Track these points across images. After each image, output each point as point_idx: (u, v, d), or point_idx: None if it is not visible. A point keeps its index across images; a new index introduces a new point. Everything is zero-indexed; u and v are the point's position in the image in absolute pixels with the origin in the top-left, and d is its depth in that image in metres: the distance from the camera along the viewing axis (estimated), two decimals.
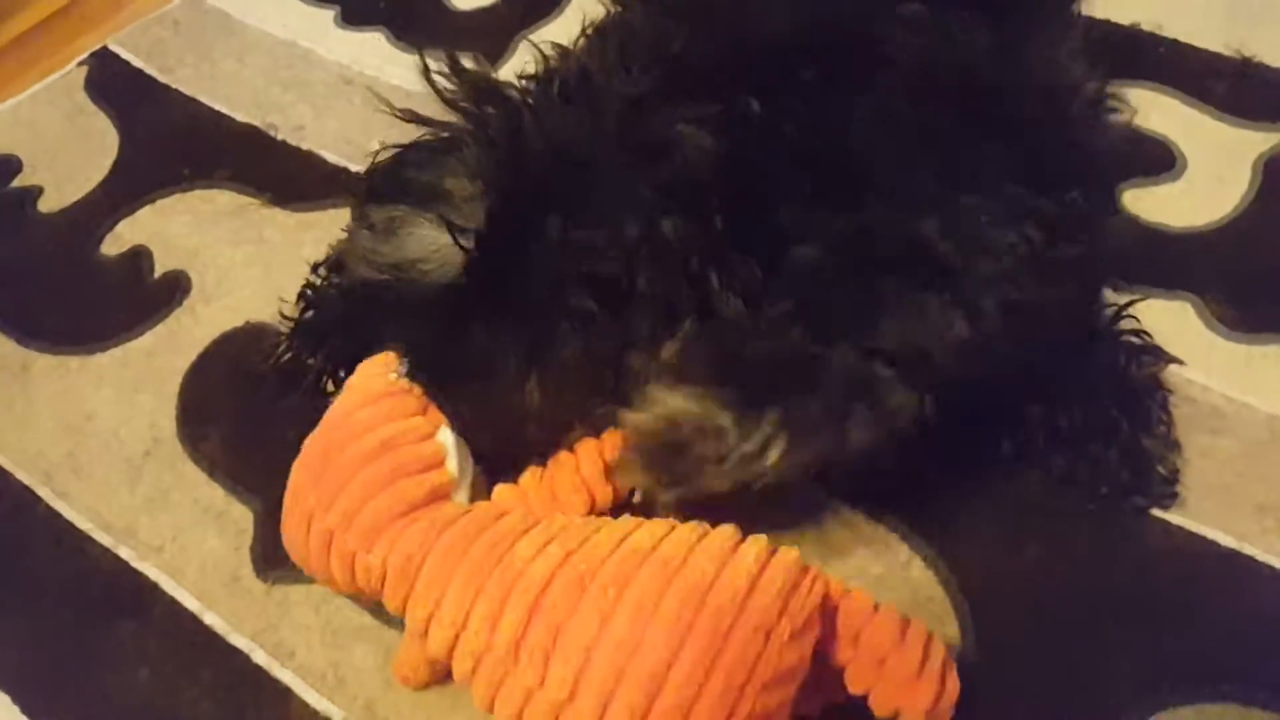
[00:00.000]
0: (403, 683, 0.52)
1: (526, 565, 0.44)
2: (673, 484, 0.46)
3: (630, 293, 0.48)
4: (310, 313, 0.63)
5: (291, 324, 0.64)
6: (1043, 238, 0.46)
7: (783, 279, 0.44)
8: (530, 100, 0.54)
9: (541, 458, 0.54)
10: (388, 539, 0.47)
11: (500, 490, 0.52)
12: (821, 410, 0.43)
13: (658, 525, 0.46)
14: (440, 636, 0.45)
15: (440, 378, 0.52)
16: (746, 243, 0.47)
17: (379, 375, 0.52)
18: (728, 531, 0.45)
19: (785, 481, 0.45)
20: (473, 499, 0.51)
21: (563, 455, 0.53)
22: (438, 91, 0.55)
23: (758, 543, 0.44)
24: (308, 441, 0.52)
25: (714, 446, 0.44)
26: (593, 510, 0.51)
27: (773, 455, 0.44)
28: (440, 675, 0.51)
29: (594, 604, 0.42)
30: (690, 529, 0.45)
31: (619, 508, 0.52)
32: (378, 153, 0.59)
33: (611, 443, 0.52)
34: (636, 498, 0.51)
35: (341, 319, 0.60)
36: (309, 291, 0.64)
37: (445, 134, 0.56)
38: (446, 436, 0.50)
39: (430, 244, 0.53)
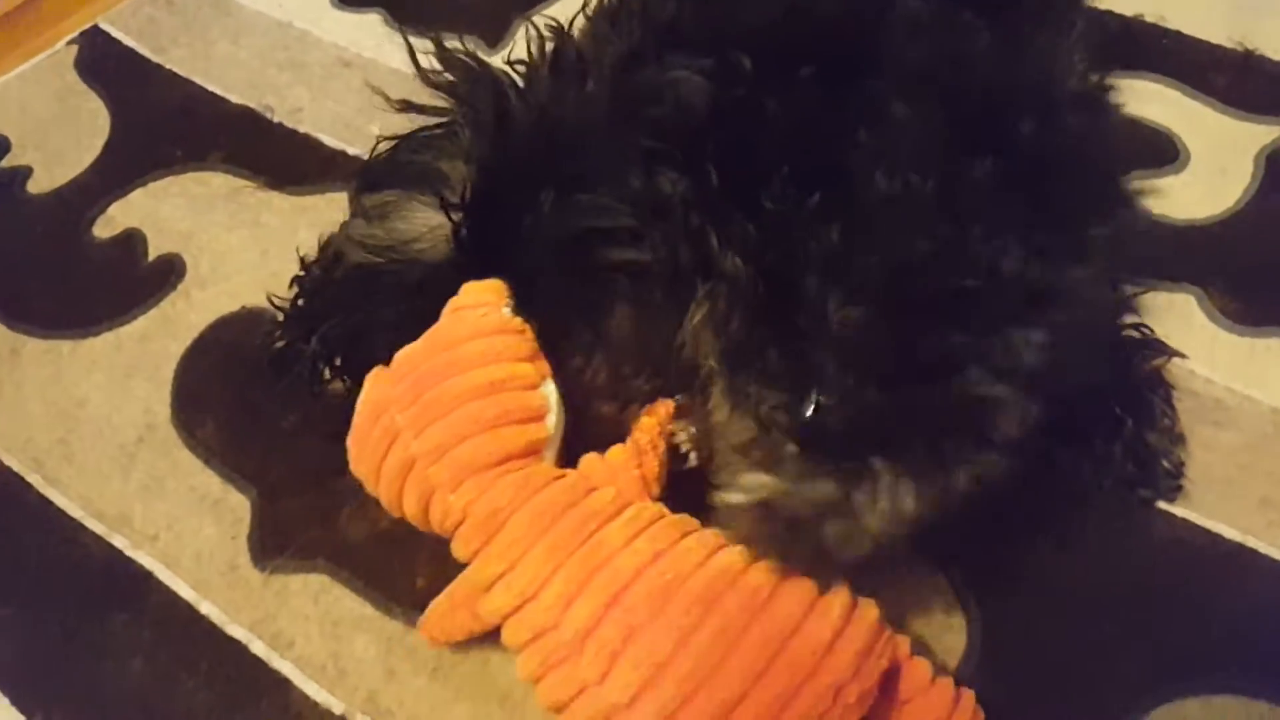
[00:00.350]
0: (429, 637, 0.50)
1: (613, 555, 0.43)
2: (816, 568, 0.44)
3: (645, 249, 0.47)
4: (303, 300, 0.63)
5: (284, 310, 0.63)
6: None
7: (835, 343, 0.42)
8: (517, 79, 0.53)
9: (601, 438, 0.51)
10: (476, 484, 0.45)
11: (590, 462, 0.49)
12: (926, 451, 0.42)
13: (728, 566, 0.43)
14: (504, 600, 0.44)
15: None
16: (741, 200, 0.46)
17: (491, 306, 0.49)
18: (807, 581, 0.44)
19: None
20: (557, 458, 0.49)
21: (641, 438, 0.49)
22: (424, 76, 0.54)
23: (841, 593, 0.43)
24: (402, 357, 0.49)
25: (840, 520, 0.43)
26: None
27: (909, 502, 0.42)
28: (469, 637, 0.49)
29: (676, 618, 0.41)
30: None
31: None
32: (376, 144, 0.59)
33: (665, 412, 0.50)
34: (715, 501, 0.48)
35: (336, 304, 0.59)
36: (303, 277, 0.64)
37: (442, 120, 0.55)
38: (551, 390, 0.48)
39: (424, 223, 0.53)
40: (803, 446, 0.43)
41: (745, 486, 0.45)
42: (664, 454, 0.50)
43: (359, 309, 0.55)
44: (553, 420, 0.48)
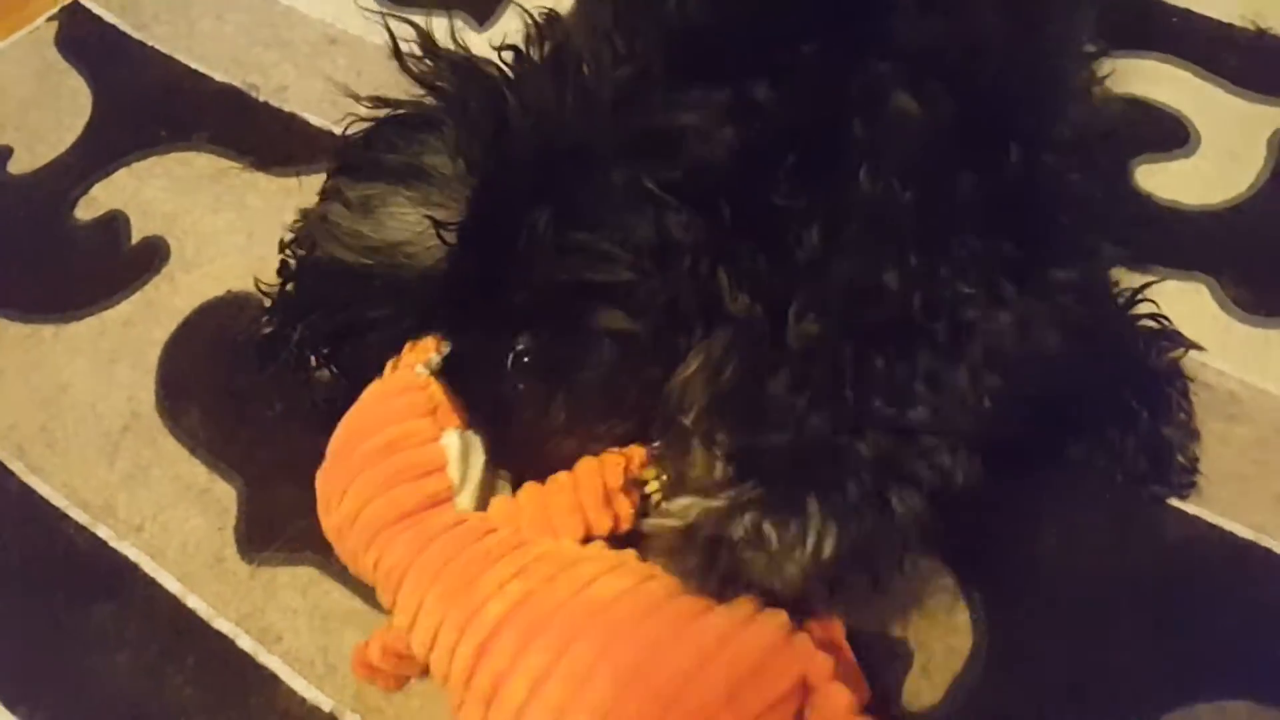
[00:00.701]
0: (362, 676, 0.51)
1: (485, 602, 0.44)
2: (726, 590, 0.43)
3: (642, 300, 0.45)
4: (290, 285, 0.61)
5: (272, 296, 0.61)
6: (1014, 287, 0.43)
7: (789, 360, 0.41)
8: (513, 78, 0.51)
9: (540, 476, 0.51)
10: (380, 544, 0.48)
11: (496, 504, 0.50)
12: (858, 494, 0.41)
13: (628, 572, 0.44)
14: (417, 648, 0.46)
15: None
16: (750, 231, 0.44)
17: (408, 366, 0.52)
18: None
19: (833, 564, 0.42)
20: (485, 501, 0.50)
21: (561, 476, 0.50)
22: (410, 72, 0.52)
23: (741, 607, 0.42)
24: (340, 425, 0.52)
25: (758, 552, 0.41)
26: (589, 537, 0.48)
27: (828, 547, 0.41)
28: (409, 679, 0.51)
29: (534, 660, 0.41)
30: (665, 584, 0.43)
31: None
32: (349, 125, 0.56)
33: (614, 466, 0.49)
34: (644, 526, 0.47)
35: (323, 297, 0.57)
36: (289, 264, 0.62)
37: (421, 110, 0.53)
38: (451, 441, 0.50)
39: (412, 225, 0.51)
40: (738, 471, 0.41)
41: (674, 511, 0.43)
42: (594, 499, 0.49)
43: (346, 305, 0.54)
44: (455, 470, 0.49)
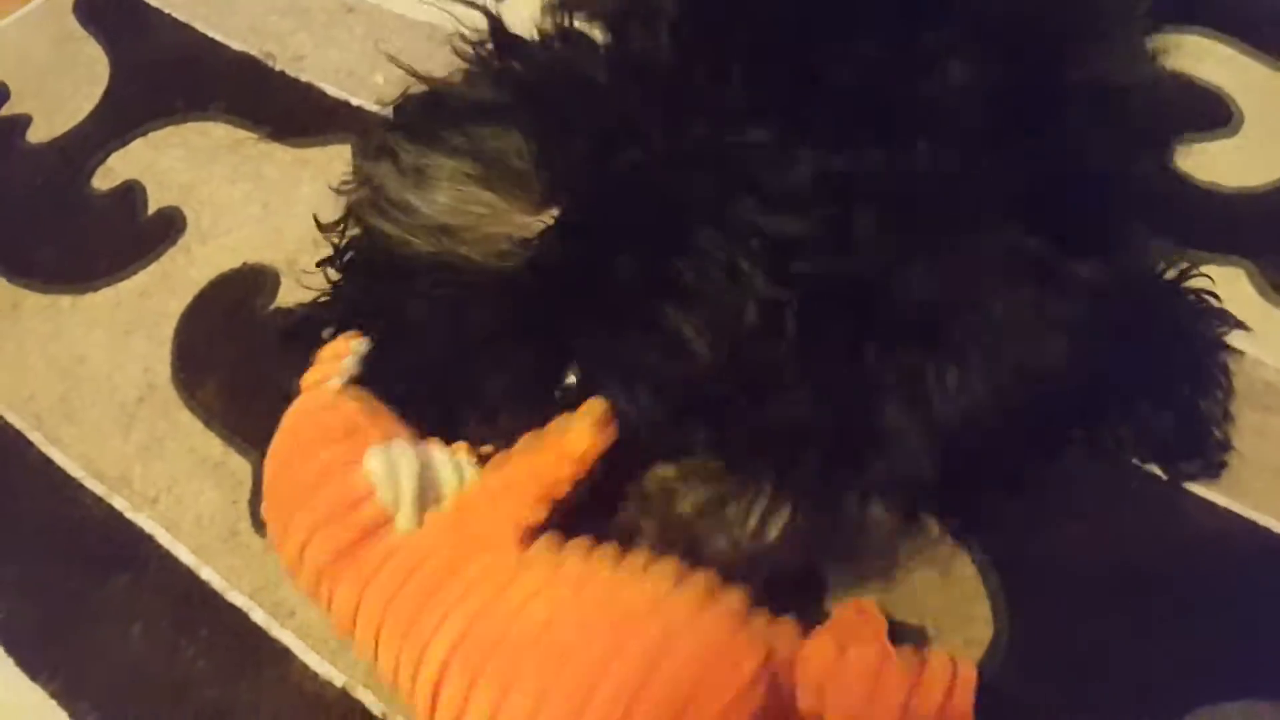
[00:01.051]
0: None
1: (430, 640, 0.43)
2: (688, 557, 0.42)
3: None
4: (342, 277, 0.57)
5: (327, 280, 0.59)
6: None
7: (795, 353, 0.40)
8: (597, 79, 0.46)
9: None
10: (326, 586, 0.46)
11: (430, 520, 0.47)
12: (820, 481, 0.40)
13: (563, 580, 0.43)
14: (387, 684, 0.45)
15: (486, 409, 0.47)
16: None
17: (319, 382, 0.50)
18: (667, 569, 0.42)
19: None
20: (429, 507, 0.47)
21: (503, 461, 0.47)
22: (477, 56, 0.48)
23: (693, 586, 0.41)
24: (269, 452, 0.50)
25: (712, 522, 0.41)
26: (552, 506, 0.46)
27: (772, 533, 0.41)
28: None
29: (483, 697, 0.41)
30: (601, 585, 0.42)
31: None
32: (409, 87, 0.52)
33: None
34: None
35: (369, 298, 0.54)
36: (335, 257, 0.58)
37: (487, 94, 0.48)
38: (374, 464, 0.46)
39: (471, 205, 0.46)
40: (719, 452, 0.41)
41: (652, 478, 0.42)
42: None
43: (393, 309, 0.51)
44: (386, 491, 0.46)
